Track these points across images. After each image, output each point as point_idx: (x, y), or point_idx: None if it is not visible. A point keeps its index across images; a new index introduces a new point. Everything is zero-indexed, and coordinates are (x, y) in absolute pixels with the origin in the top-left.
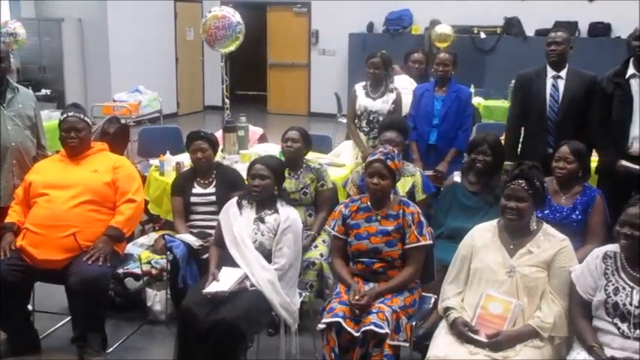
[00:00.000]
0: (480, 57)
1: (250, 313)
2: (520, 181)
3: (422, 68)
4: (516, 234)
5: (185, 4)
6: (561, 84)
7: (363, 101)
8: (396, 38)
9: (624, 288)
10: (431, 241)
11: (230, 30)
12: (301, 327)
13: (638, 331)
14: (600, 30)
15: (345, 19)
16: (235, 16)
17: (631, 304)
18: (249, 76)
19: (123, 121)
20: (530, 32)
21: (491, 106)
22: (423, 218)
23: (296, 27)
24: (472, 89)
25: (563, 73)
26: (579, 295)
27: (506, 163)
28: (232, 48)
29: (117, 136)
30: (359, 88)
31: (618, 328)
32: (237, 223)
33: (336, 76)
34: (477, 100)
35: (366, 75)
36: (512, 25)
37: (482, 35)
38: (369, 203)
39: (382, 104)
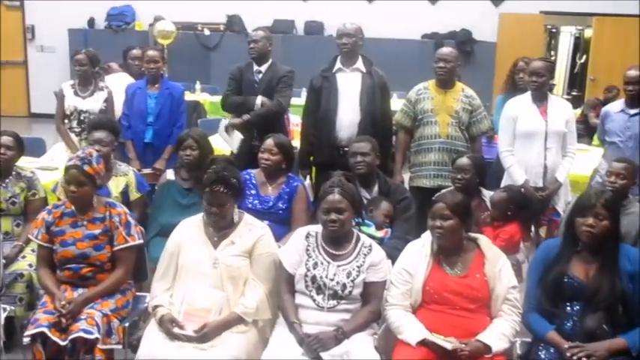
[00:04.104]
0: (204, 53)
1: None
2: (218, 187)
3: (142, 65)
4: (220, 228)
5: None
6: (260, 78)
7: (72, 100)
8: (120, 34)
9: (322, 263)
10: (141, 241)
11: None
12: (12, 344)
13: (331, 302)
14: (314, 28)
15: (64, 14)
16: None
17: (327, 277)
18: None
19: None
20: (251, 29)
21: (217, 102)
22: (130, 218)
23: (8, 22)
24: (198, 85)
25: (263, 68)
26: (286, 272)
27: None
28: None
29: None
30: (67, 86)
31: (314, 300)
32: None
33: (58, 74)
34: (203, 97)
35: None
36: (235, 23)
37: (207, 32)
38: (73, 208)
39: (93, 103)
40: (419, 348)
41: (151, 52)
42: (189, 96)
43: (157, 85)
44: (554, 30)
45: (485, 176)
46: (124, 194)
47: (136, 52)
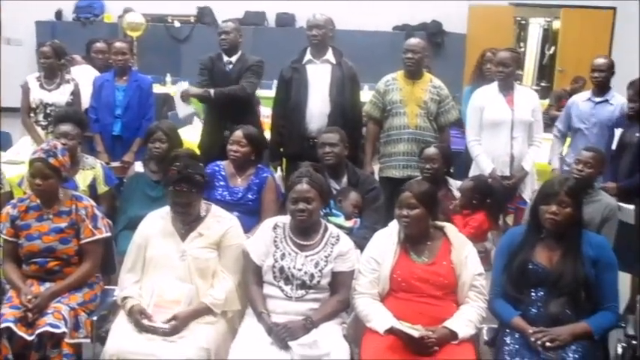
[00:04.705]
0: (175, 46)
1: None
2: (182, 186)
3: (105, 58)
4: (188, 221)
5: None
6: (230, 68)
7: (38, 94)
8: (88, 27)
9: (290, 254)
10: (108, 234)
11: None
12: None
13: (299, 292)
14: (286, 20)
15: (31, 7)
16: None
17: (295, 268)
18: None
19: None
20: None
21: None
22: (97, 211)
23: None
24: (168, 78)
25: (233, 59)
26: (254, 263)
27: None
28: None
29: None
30: (32, 79)
31: (282, 291)
32: None
33: (26, 68)
34: (173, 89)
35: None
36: (205, 15)
37: (177, 24)
38: (38, 201)
39: (59, 96)
40: (387, 336)
41: (118, 44)
42: (159, 88)
43: (125, 78)
44: (523, 22)
45: (452, 166)
46: (92, 188)
47: (100, 45)
